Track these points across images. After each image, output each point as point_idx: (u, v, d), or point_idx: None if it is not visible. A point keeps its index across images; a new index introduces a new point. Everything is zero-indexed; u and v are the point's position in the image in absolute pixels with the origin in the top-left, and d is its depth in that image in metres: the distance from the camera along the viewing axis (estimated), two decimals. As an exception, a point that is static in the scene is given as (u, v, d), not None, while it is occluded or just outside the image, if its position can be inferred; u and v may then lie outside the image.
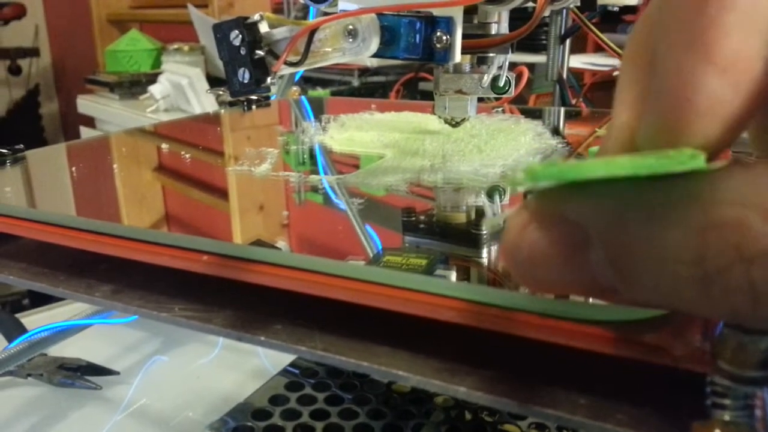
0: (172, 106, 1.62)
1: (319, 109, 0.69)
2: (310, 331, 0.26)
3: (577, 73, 0.95)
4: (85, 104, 1.87)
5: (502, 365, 0.23)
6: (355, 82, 1.48)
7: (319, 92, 1.38)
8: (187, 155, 0.52)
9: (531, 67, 1.05)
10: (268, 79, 0.36)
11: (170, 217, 0.40)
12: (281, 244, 0.35)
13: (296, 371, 0.38)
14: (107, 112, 1.80)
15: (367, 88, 1.50)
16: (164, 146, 0.55)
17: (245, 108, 0.62)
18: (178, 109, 1.62)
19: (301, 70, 0.36)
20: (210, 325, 0.27)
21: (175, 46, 1.77)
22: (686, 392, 0.20)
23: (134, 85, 1.82)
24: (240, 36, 0.35)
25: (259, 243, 0.36)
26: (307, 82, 1.49)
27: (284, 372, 0.39)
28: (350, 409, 0.35)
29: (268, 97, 0.66)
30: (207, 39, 1.70)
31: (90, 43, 2.52)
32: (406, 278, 0.25)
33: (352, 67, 1.44)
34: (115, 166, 0.49)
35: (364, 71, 1.46)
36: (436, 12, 0.34)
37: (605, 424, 0.20)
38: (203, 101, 1.53)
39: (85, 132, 1.92)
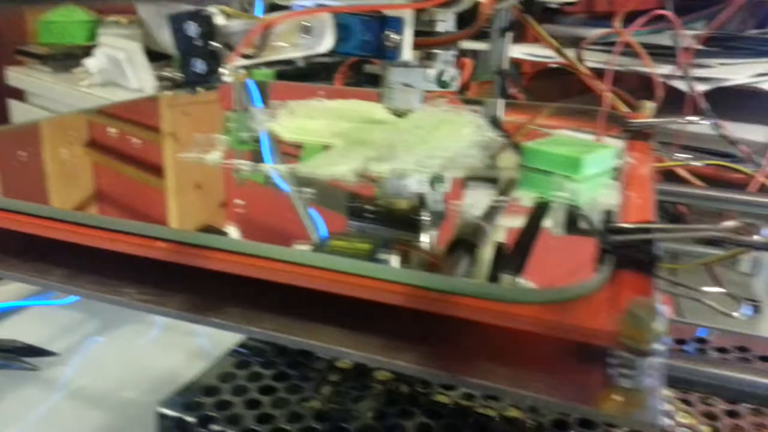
0: (109, 81, 1.57)
1: (263, 92, 0.69)
2: (260, 313, 0.27)
3: (517, 63, 0.99)
4: (14, 77, 1.78)
5: (437, 342, 0.25)
6: (301, 63, 1.46)
7: (264, 72, 1.37)
8: (137, 141, 0.52)
9: (475, 54, 1.08)
10: (222, 70, 0.37)
11: (120, 204, 0.40)
12: (231, 230, 0.36)
13: (245, 351, 0.40)
14: (39, 86, 1.72)
15: (312, 69, 1.49)
16: (113, 131, 0.54)
17: (191, 90, 0.61)
18: (115, 84, 1.57)
19: (255, 62, 0.37)
20: (166, 308, 0.29)
21: (113, 18, 1.70)
22: (595, 364, 0.23)
23: (68, 58, 1.74)
24: (195, 27, 0.35)
25: (209, 230, 0.37)
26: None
27: (233, 352, 0.40)
28: (296, 384, 0.37)
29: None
30: (146, 12, 1.65)
31: (21, 12, 2.38)
32: (350, 264, 0.27)
33: (298, 47, 1.43)
34: (64, 151, 0.48)
35: (346, 54, 1.44)
36: (388, 11, 0.36)
37: (523, 391, 0.23)
38: (141, 77, 1.49)
39: (15, 105, 1.83)
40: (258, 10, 0.39)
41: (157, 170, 0.46)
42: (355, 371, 0.38)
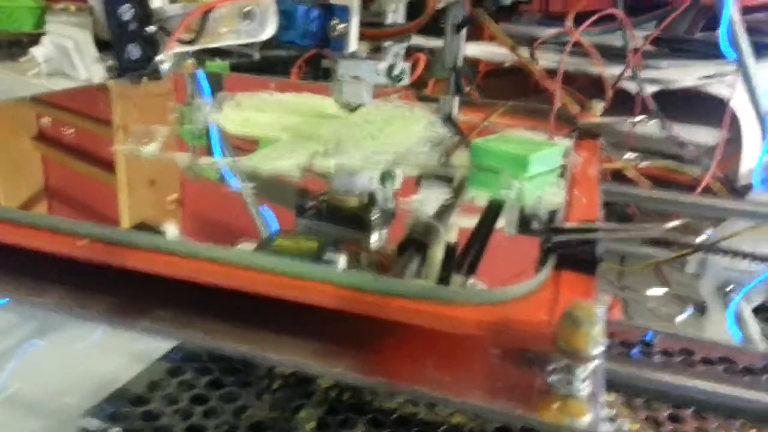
0: (56, 71, 1.51)
1: (216, 84, 0.67)
2: (191, 318, 0.26)
3: (474, 62, 0.99)
4: (-45, 63, 1.69)
5: (375, 348, 0.24)
6: (256, 56, 1.44)
7: (218, 64, 1.34)
8: (72, 131, 0.49)
9: (431, 51, 1.07)
10: (159, 57, 0.35)
11: (52, 198, 0.38)
12: (170, 227, 0.35)
13: (178, 356, 0.38)
14: (-19, 73, 1.64)
15: (268, 62, 1.46)
16: (47, 120, 0.52)
17: (136, 80, 0.59)
18: (63, 74, 1.51)
19: (194, 48, 0.35)
20: (87, 311, 0.27)
21: (61, 5, 1.64)
22: (535, 369, 0.22)
23: (14, 46, 1.67)
24: (131, 10, 0.33)
25: (143, 226, 0.35)
26: (205, 51, 1.44)
27: (165, 357, 0.38)
28: (232, 392, 0.35)
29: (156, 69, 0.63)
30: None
31: (-39, -6, 2.28)
32: (285, 264, 0.26)
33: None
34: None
35: (266, 44, 1.43)
36: (333, 0, 0.35)
37: (464, 398, 0.22)
38: (90, 67, 1.44)
39: (-45, 93, 1.75)
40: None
41: (92, 162, 0.44)
42: (296, 378, 0.37)
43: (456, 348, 0.24)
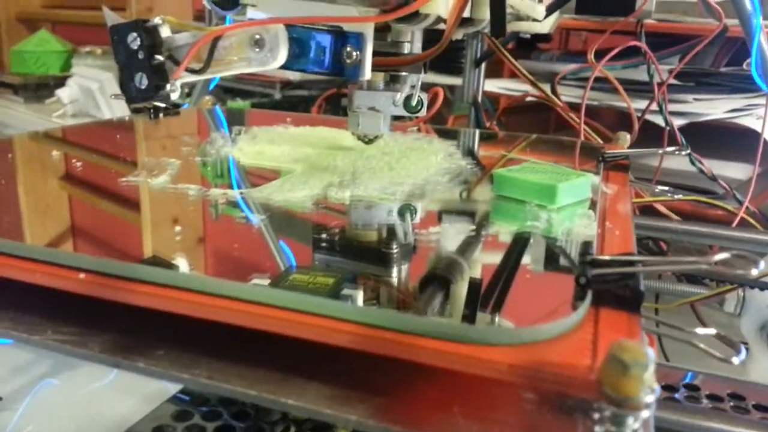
0: (81, 112, 1.54)
1: (233, 120, 0.67)
2: (196, 357, 0.24)
3: (493, 97, 0.98)
4: (-14, 106, 1.74)
5: (395, 392, 0.22)
6: (277, 95, 1.45)
7: (239, 104, 1.35)
8: (80, 163, 0.48)
9: (452, 89, 1.07)
10: (168, 86, 0.34)
11: (58, 230, 0.37)
12: (180, 261, 0.33)
13: (186, 398, 0.36)
14: (10, 116, 1.69)
15: (289, 102, 1.47)
16: (56, 153, 0.51)
17: (151, 116, 0.59)
18: (87, 115, 1.54)
19: (203, 77, 0.34)
20: (85, 350, 0.25)
21: (87, 48, 1.68)
22: (575, 417, 0.20)
23: (41, 88, 1.72)
24: (138, 39, 0.33)
25: (154, 260, 0.34)
26: (227, 92, 1.45)
27: (173, 399, 0.36)
28: (242, 438, 0.33)
29: (178, 106, 0.63)
30: (122, 43, 1.62)
31: (-6, 41, 2.36)
32: (302, 300, 0.24)
33: (274, 79, 1.42)
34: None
35: (286, 84, 1.44)
36: (347, 27, 0.34)
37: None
38: (114, 107, 1.46)
39: (-16, 135, 1.79)
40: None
41: (101, 193, 0.43)
42: (313, 424, 0.34)
43: (486, 394, 0.22)
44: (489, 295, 0.28)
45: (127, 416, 0.47)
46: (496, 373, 0.21)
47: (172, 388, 0.46)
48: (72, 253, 0.27)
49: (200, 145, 0.50)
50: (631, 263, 0.25)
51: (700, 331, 0.25)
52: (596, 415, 0.19)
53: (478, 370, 0.21)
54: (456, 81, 1.03)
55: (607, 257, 0.25)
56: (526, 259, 0.31)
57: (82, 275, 0.26)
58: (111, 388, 0.54)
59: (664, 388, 0.38)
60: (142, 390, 0.50)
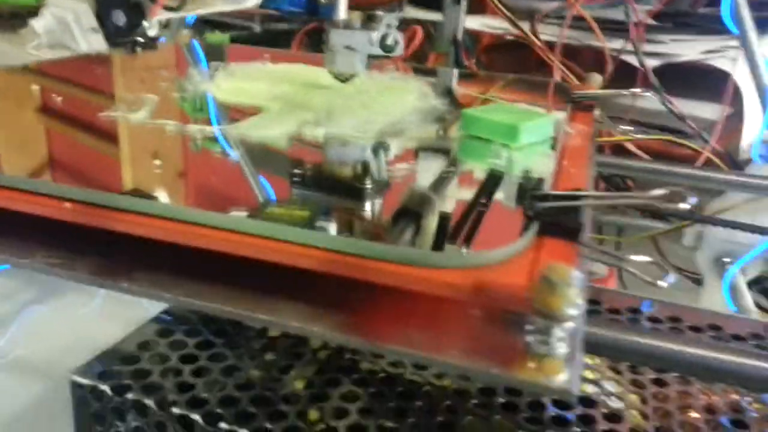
0: (57, 43, 1.50)
1: (211, 55, 0.67)
2: (176, 279, 0.26)
3: (474, 34, 0.97)
4: (-45, 35, 1.69)
5: (357, 309, 0.25)
6: (257, 28, 1.42)
7: (218, 36, 1.32)
8: (59, 98, 0.49)
9: (435, 25, 1.06)
10: (145, 23, 0.35)
11: (40, 161, 0.38)
12: (160, 193, 0.35)
13: (169, 318, 0.39)
14: (-19, 45, 1.64)
15: (269, 35, 1.44)
16: (35, 87, 0.51)
17: (130, 50, 0.59)
18: (64, 47, 1.50)
19: (180, 15, 0.35)
20: (73, 272, 0.27)
21: (61, -24, 1.62)
22: (513, 331, 0.23)
23: (14, 18, 1.66)
24: (114, -24, 0.33)
25: (135, 192, 0.35)
26: (206, 24, 1.42)
27: (156, 319, 0.39)
28: (221, 353, 0.36)
29: (155, 39, 0.63)
30: (97, -29, 1.57)
31: (-39, -35, 2.26)
32: (274, 229, 0.26)
33: (254, 12, 1.39)
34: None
35: (267, 17, 1.41)
36: (321, -34, 0.35)
37: (442, 357, 0.22)
38: (91, 39, 1.43)
39: (-44, 65, 1.74)
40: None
41: (81, 127, 0.44)
42: (287, 340, 0.37)
43: (436, 310, 0.25)
44: (449, 226, 0.30)
45: (112, 338, 0.49)
46: (446, 292, 0.24)
47: (155, 312, 0.48)
48: (59, 185, 0.29)
49: (178, 81, 0.51)
50: (575, 198, 0.27)
51: (635, 258, 0.27)
52: (529, 327, 0.22)
53: (430, 290, 0.24)
54: (434, 16, 1.02)
55: (553, 192, 0.28)
56: (486, 195, 0.33)
57: (68, 205, 0.28)
58: (96, 313, 0.56)
59: (610, 311, 0.42)
60: (126, 315, 0.52)
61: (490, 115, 0.39)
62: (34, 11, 1.65)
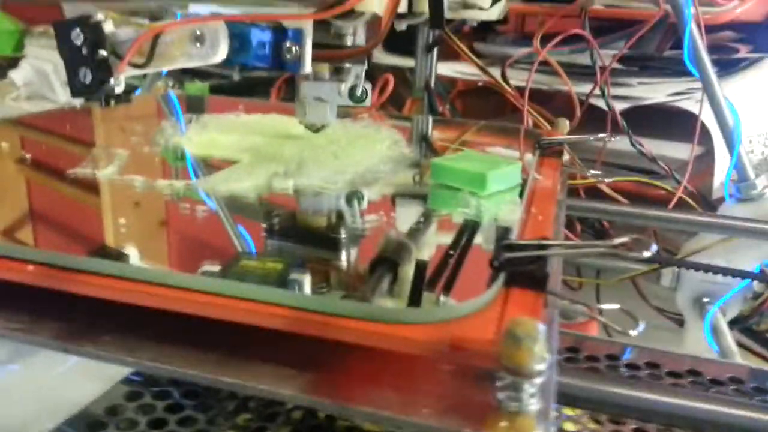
0: (35, 94, 1.50)
1: (191, 105, 0.67)
2: (141, 342, 0.26)
3: (449, 81, 1.00)
4: (-68, 88, 1.69)
5: (325, 369, 0.24)
6: (236, 76, 1.44)
7: (197, 86, 1.34)
8: (29, 155, 0.49)
9: (411, 70, 1.08)
10: (112, 80, 0.35)
11: (37, 221, 0.38)
12: (128, 250, 0.34)
13: (138, 379, 0.38)
14: (-41, 98, 1.63)
15: (248, 83, 1.46)
16: (4, 144, 0.51)
17: (103, 104, 0.59)
18: (42, 98, 1.50)
19: (146, 72, 0.35)
20: (36, 336, 0.27)
21: (41, 29, 1.64)
22: (483, 387, 0.22)
23: (-9, 70, 1.66)
24: (82, 35, 0.33)
25: (102, 251, 0.35)
26: (185, 73, 1.44)
27: (126, 380, 0.38)
28: (191, 416, 0.35)
29: (129, 92, 0.63)
30: (76, 24, 1.58)
31: (-59, 19, 2.27)
32: (239, 288, 0.26)
33: (233, 62, 1.40)
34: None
35: (245, 65, 1.42)
36: (287, 22, 0.35)
37: (412, 418, 0.22)
38: (68, 90, 1.43)
39: (-66, 118, 1.73)
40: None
41: (57, 179, 0.43)
42: (259, 401, 0.36)
43: (405, 368, 0.24)
44: (424, 276, 0.30)
45: (86, 398, 0.48)
46: (415, 348, 0.23)
47: (126, 370, 0.47)
48: (20, 246, 0.28)
49: (150, 134, 0.51)
50: (542, 247, 0.27)
51: (605, 306, 0.27)
52: (499, 383, 0.21)
53: (397, 347, 0.23)
54: (407, 62, 1.05)
55: (519, 242, 0.28)
56: (454, 244, 0.33)
57: (30, 267, 0.27)
58: (73, 372, 0.54)
59: (588, 358, 0.41)
60: (102, 373, 0.51)
61: (458, 163, 0.39)
62: (13, 63, 1.66)
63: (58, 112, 0.69)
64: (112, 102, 0.64)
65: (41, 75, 1.44)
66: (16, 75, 1.47)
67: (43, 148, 0.53)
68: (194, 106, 0.68)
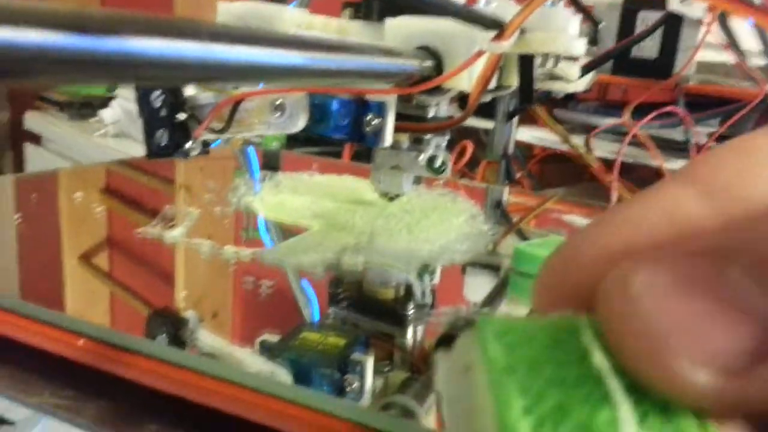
0: (122, 132, 1.58)
1: (267, 160, 0.67)
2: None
3: (526, 146, 0.97)
4: (33, 121, 1.81)
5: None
6: (312, 128, 1.46)
7: (275, 136, 1.36)
8: (99, 208, 0.49)
9: (487, 132, 1.06)
10: (188, 144, 0.34)
11: (61, 282, 0.37)
12: (190, 314, 0.33)
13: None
14: (54, 132, 1.75)
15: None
16: (77, 195, 0.52)
17: (183, 156, 0.59)
18: (128, 136, 1.58)
19: (223, 137, 0.34)
20: (78, 418, 0.25)
21: (133, 72, 1.73)
22: None
23: (84, 107, 1.77)
24: (162, 97, 0.33)
25: (162, 312, 0.34)
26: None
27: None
28: None
29: (207, 145, 0.64)
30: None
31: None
32: (280, 388, 0.23)
33: (310, 113, 1.43)
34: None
35: (324, 136, 1.44)
36: (369, 96, 0.34)
37: None
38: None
39: (30, 149, 1.86)
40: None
41: (114, 244, 0.43)
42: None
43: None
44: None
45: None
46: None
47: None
48: (72, 318, 0.27)
49: (224, 192, 0.50)
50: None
51: None
52: None
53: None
54: (487, 125, 1.02)
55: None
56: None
57: (81, 341, 0.26)
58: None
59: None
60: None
61: (544, 251, 0.36)
62: (104, 102, 1.75)
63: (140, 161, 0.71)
64: (190, 154, 0.65)
65: (128, 115, 1.51)
66: (106, 113, 1.55)
67: (117, 199, 0.53)
68: (269, 162, 0.67)
